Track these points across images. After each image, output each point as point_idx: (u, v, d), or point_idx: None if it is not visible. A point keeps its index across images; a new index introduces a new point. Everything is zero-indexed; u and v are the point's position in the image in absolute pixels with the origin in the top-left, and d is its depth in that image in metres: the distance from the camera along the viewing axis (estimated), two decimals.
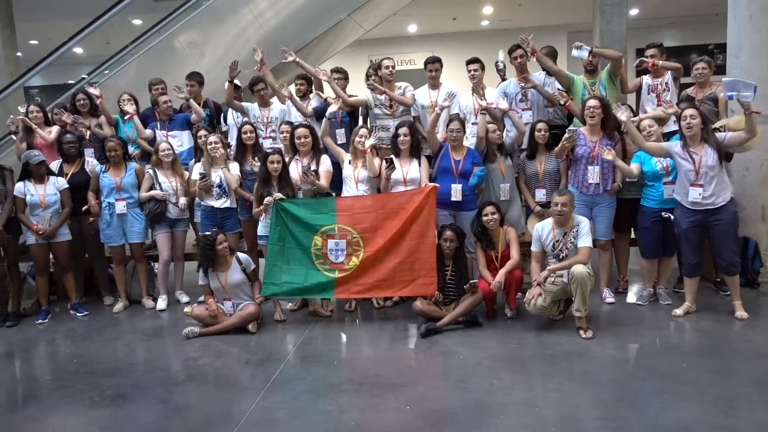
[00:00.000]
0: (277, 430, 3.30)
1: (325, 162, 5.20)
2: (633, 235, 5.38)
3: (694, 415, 3.23)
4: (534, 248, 4.68)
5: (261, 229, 5.15)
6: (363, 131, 5.11)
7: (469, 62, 5.66)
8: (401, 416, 3.36)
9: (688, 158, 4.50)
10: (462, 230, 4.84)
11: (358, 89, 6.03)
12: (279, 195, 4.90)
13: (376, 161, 5.05)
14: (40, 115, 5.92)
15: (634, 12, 12.04)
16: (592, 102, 4.98)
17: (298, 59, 5.79)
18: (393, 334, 4.72)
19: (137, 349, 4.72)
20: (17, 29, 9.81)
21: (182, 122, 5.99)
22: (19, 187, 5.29)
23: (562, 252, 4.54)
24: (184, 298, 5.72)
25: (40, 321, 5.42)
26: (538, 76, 5.79)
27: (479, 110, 5.37)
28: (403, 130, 5.07)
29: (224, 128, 6.13)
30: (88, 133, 6.01)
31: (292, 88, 5.94)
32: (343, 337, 4.84)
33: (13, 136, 5.94)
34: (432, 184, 4.91)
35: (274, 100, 6.03)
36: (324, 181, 5.09)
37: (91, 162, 5.71)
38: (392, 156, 5.06)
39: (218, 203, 5.38)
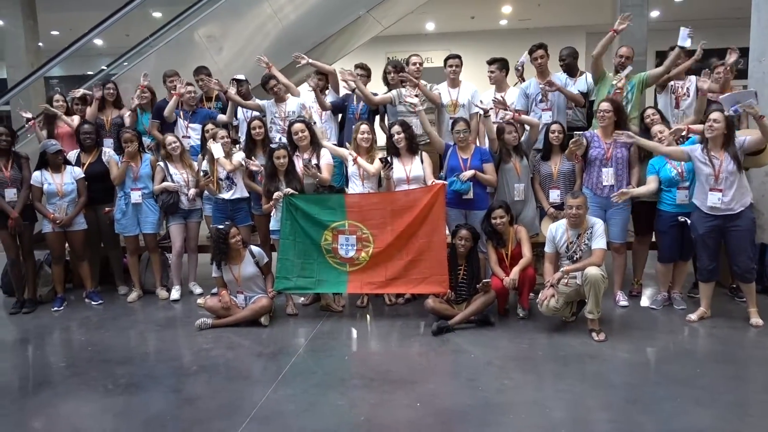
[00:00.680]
0: (287, 422, 3.31)
1: (326, 155, 5.22)
2: (654, 239, 5.33)
3: (707, 420, 3.20)
4: (547, 249, 4.66)
5: (273, 224, 5.17)
6: (364, 127, 5.09)
7: (488, 62, 5.66)
8: (411, 413, 3.37)
9: (708, 162, 4.45)
10: (477, 230, 4.83)
11: (377, 87, 6.03)
12: (289, 190, 4.92)
13: (377, 164, 5.05)
14: (63, 105, 5.98)
15: (654, 14, 11.94)
16: (604, 105, 4.95)
17: (310, 61, 5.79)
18: (404, 331, 4.72)
19: (150, 339, 4.76)
20: (39, 20, 9.92)
21: (204, 117, 6.01)
22: (36, 176, 5.35)
23: (575, 254, 4.51)
24: (197, 290, 5.76)
25: (55, 308, 5.48)
26: (559, 76, 5.76)
27: (487, 111, 5.35)
28: (396, 128, 5.07)
29: (235, 123, 6.15)
30: (110, 122, 6.06)
31: (305, 86, 5.94)
32: (355, 332, 4.85)
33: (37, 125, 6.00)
34: (440, 181, 4.90)
35: (289, 94, 6.03)
36: (326, 174, 5.11)
37: (107, 152, 5.76)
38: (387, 156, 5.06)
39: (227, 194, 5.40)
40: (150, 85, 6.15)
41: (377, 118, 5.94)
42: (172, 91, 5.95)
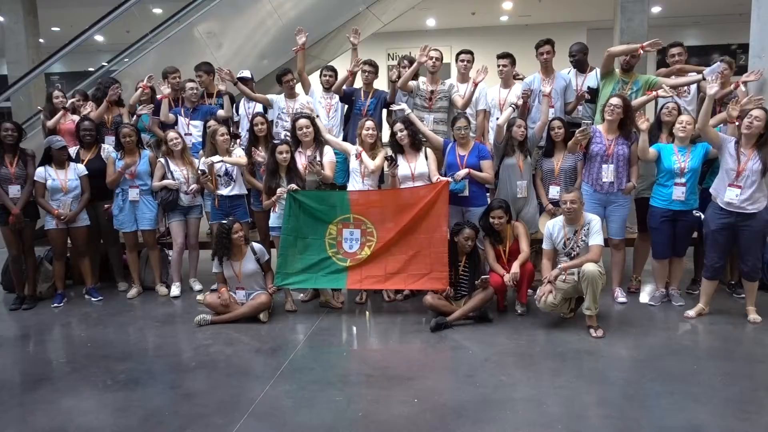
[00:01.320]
0: (286, 418, 3.33)
1: (329, 152, 5.23)
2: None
3: (703, 416, 3.21)
4: (545, 246, 4.67)
5: (273, 220, 5.18)
6: (369, 123, 5.09)
7: (499, 57, 5.65)
8: (409, 409, 3.38)
9: (736, 157, 4.43)
10: (477, 227, 4.84)
11: (381, 84, 6.03)
12: (293, 186, 4.92)
13: (378, 161, 5.05)
14: (63, 100, 5.99)
15: (656, 10, 11.90)
16: (615, 100, 4.93)
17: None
18: (403, 328, 4.73)
19: (150, 335, 4.77)
20: (39, 16, 9.93)
21: (205, 113, 6.02)
22: (40, 172, 5.35)
23: (573, 250, 4.52)
24: (198, 286, 5.78)
25: (55, 305, 5.50)
26: (566, 74, 5.75)
27: (503, 105, 5.34)
28: (398, 126, 5.07)
29: (236, 118, 6.16)
30: (111, 120, 6.07)
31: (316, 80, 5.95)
32: (353, 328, 4.86)
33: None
34: (444, 178, 4.91)
35: (300, 91, 6.04)
36: (328, 171, 5.12)
37: (106, 149, 5.77)
38: (391, 154, 5.06)
39: (226, 191, 5.41)
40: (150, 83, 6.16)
41: (384, 112, 5.93)
42: (158, 96, 5.94)
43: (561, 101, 5.67)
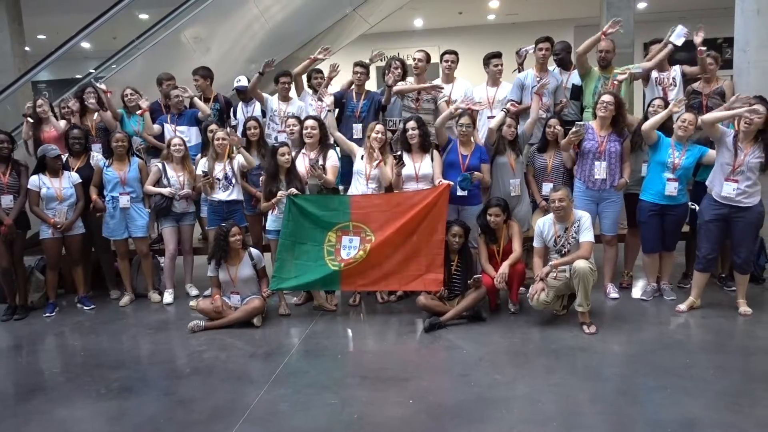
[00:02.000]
0: (281, 422, 3.32)
1: (332, 157, 5.20)
2: None
3: (696, 410, 3.23)
4: (536, 244, 4.68)
5: (270, 224, 5.16)
6: (379, 127, 5.05)
7: (493, 56, 5.66)
8: (404, 410, 3.38)
9: (733, 151, 4.44)
10: (468, 225, 4.85)
11: (370, 84, 6.03)
12: (293, 190, 4.91)
13: (388, 165, 5.04)
14: (48, 109, 5.95)
15: (641, 5, 11.97)
16: (607, 97, 4.95)
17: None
18: (397, 329, 4.73)
19: (143, 343, 4.75)
20: (25, 23, 9.85)
21: (191, 118, 6.01)
22: (34, 181, 5.32)
23: (564, 247, 4.54)
24: (194, 291, 5.76)
25: (47, 314, 5.46)
26: (556, 72, 5.77)
27: (492, 103, 5.36)
28: (411, 124, 5.06)
29: (234, 122, 6.15)
30: (95, 128, 6.04)
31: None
32: (348, 331, 4.86)
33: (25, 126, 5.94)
34: (446, 182, 4.90)
35: (294, 95, 6.03)
36: (331, 176, 5.09)
37: (95, 156, 5.75)
38: (400, 153, 5.06)
39: (224, 195, 5.39)
40: (136, 88, 6.13)
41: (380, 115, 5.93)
42: (137, 112, 5.92)
43: (551, 100, 5.69)
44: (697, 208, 4.74)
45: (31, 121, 5.82)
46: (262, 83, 6.09)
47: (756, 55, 5.35)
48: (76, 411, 3.60)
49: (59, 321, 5.37)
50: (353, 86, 5.72)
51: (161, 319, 5.28)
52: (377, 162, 4.95)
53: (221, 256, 4.90)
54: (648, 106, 5.10)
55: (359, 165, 5.15)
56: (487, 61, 5.77)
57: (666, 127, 4.85)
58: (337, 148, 5.41)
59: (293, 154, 5.11)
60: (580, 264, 4.31)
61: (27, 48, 10.16)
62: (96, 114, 6.09)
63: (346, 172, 5.46)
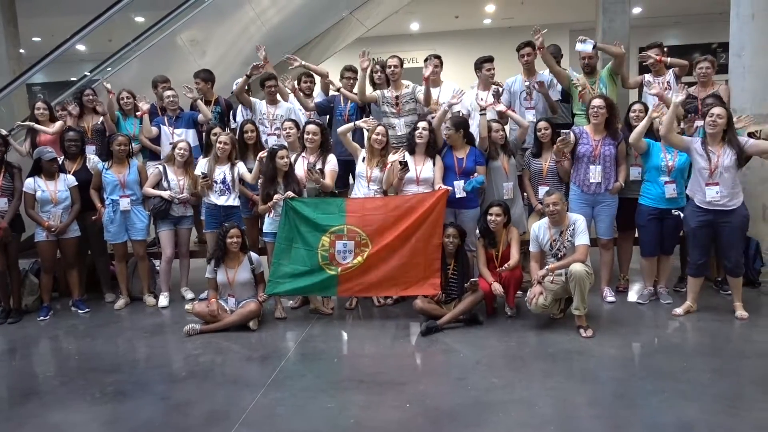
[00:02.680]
0: (278, 426, 3.31)
1: (332, 161, 5.20)
2: (637, 234, 5.37)
3: (693, 413, 3.23)
4: (532, 248, 4.68)
5: (267, 226, 5.15)
6: (381, 129, 5.05)
7: (486, 60, 5.67)
8: (401, 414, 3.37)
9: (705, 156, 4.47)
10: (463, 229, 4.84)
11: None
12: (290, 194, 4.90)
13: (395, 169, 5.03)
14: (47, 112, 5.93)
15: (637, 10, 12.01)
16: (597, 101, 4.97)
17: (304, 63, 5.82)
18: (393, 332, 4.72)
19: (138, 346, 4.73)
20: (20, 25, 9.81)
21: (188, 120, 6.00)
22: (29, 183, 5.30)
23: (560, 251, 4.54)
24: (189, 295, 5.74)
25: (41, 318, 5.43)
26: (546, 75, 5.79)
27: (480, 109, 5.36)
28: (423, 123, 5.06)
29: (233, 125, 6.14)
30: (92, 130, 6.02)
31: (294, 83, 5.95)
32: (344, 334, 4.85)
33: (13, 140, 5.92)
34: (445, 187, 4.90)
35: (280, 98, 6.03)
36: (329, 180, 5.09)
37: (92, 159, 5.72)
38: (405, 159, 5.05)
39: (221, 200, 5.37)
40: (132, 91, 6.12)
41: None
42: (136, 114, 5.89)
43: (542, 101, 5.71)
44: (681, 214, 4.75)
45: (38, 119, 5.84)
46: (251, 91, 6.09)
47: (751, 60, 5.37)
48: (71, 415, 3.58)
49: (53, 324, 5.33)
50: (341, 90, 5.76)
51: (156, 322, 5.26)
52: (386, 164, 4.98)
53: (220, 257, 4.88)
54: (628, 110, 5.13)
55: (360, 167, 5.15)
56: (479, 65, 5.79)
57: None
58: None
59: (292, 157, 5.11)
60: (577, 267, 4.31)
61: (22, 50, 10.12)
62: (93, 116, 6.07)
63: (341, 175, 5.48)
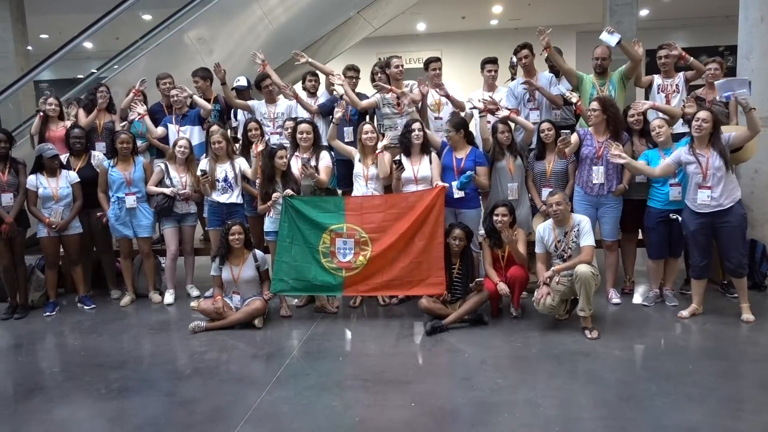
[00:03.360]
0: (282, 424, 3.31)
1: (325, 158, 5.23)
2: (641, 236, 5.37)
3: (699, 416, 3.22)
4: (538, 250, 4.68)
5: (268, 225, 5.17)
6: (368, 127, 5.10)
7: (489, 62, 5.67)
8: (406, 413, 3.37)
9: (695, 160, 4.48)
10: (470, 229, 4.84)
11: (366, 87, 6.04)
12: (289, 192, 4.91)
13: (387, 157, 5.05)
14: (58, 108, 5.95)
15: (644, 13, 12.00)
16: (592, 104, 4.98)
17: (310, 60, 5.82)
18: (398, 332, 4.72)
19: (144, 343, 4.75)
20: (28, 23, 9.87)
21: (194, 118, 6.01)
22: (32, 180, 5.32)
23: (565, 252, 4.54)
24: (195, 292, 5.76)
25: (47, 313, 5.46)
26: (546, 75, 5.79)
27: (480, 112, 5.37)
28: (417, 125, 5.08)
29: (234, 124, 6.15)
30: (102, 127, 6.04)
31: (298, 86, 5.96)
32: (349, 333, 4.85)
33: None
34: (442, 184, 4.91)
35: (281, 95, 6.04)
36: (324, 176, 5.11)
37: (97, 156, 5.74)
38: (399, 158, 5.07)
39: (223, 198, 5.38)
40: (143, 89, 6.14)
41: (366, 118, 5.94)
42: (139, 113, 5.88)
43: (546, 102, 5.70)
44: (680, 218, 4.74)
45: (48, 114, 5.84)
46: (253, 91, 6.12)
47: (759, 63, 5.36)
48: (76, 411, 3.59)
49: (59, 320, 5.36)
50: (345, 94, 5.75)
51: (162, 319, 5.27)
52: (376, 152, 4.99)
53: (223, 254, 4.89)
54: (625, 115, 5.12)
55: (357, 168, 5.17)
56: (483, 66, 5.80)
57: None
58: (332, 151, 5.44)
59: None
60: (582, 269, 4.31)
61: (29, 47, 10.18)
62: (104, 114, 6.07)
63: (344, 174, 5.52)
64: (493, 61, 5.77)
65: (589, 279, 4.30)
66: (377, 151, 5.01)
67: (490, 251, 4.87)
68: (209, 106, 5.99)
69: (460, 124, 5.13)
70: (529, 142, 5.35)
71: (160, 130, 5.96)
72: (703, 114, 4.45)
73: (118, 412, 3.53)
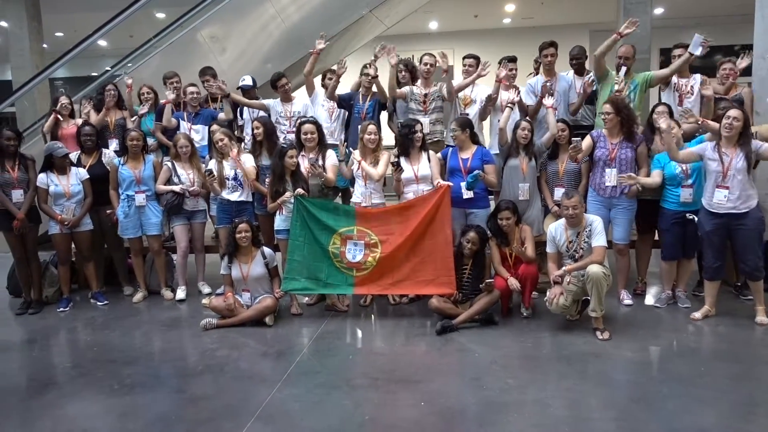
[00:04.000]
0: (292, 422, 3.32)
1: (331, 156, 5.24)
2: (657, 237, 5.32)
3: (710, 419, 3.20)
4: (549, 250, 4.66)
5: (278, 223, 5.18)
6: (371, 128, 5.10)
7: (508, 60, 5.66)
8: (415, 412, 3.37)
9: (718, 159, 4.43)
10: (486, 233, 4.82)
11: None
12: (300, 191, 4.92)
13: (385, 158, 5.07)
14: (70, 106, 6.01)
15: (658, 11, 11.89)
16: (605, 107, 4.94)
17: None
18: (408, 331, 4.72)
19: (155, 339, 4.78)
20: (43, 21, 9.96)
21: (207, 117, 6.03)
22: (42, 178, 5.36)
23: (576, 252, 4.51)
24: (206, 289, 5.79)
25: (61, 309, 5.51)
26: (566, 75, 5.75)
27: (506, 105, 5.36)
28: (419, 126, 5.10)
29: (240, 122, 6.17)
30: (114, 124, 6.09)
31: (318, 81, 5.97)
32: (359, 332, 4.86)
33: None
34: (446, 183, 4.91)
35: (296, 94, 6.04)
36: (331, 175, 5.12)
37: (108, 154, 5.77)
38: (396, 159, 5.07)
39: (233, 196, 5.41)
40: (152, 87, 6.18)
41: (384, 116, 5.94)
42: (163, 101, 5.94)
43: (564, 103, 5.68)
44: (696, 219, 4.70)
45: (60, 118, 5.91)
46: (270, 88, 6.12)
47: None
48: (88, 406, 3.63)
49: (72, 316, 5.41)
50: (361, 88, 5.77)
51: (174, 316, 5.31)
52: (357, 161, 5.04)
53: (231, 252, 4.92)
54: (652, 112, 5.06)
55: (356, 168, 5.18)
56: (503, 64, 5.75)
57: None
58: (337, 149, 5.46)
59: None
60: (594, 269, 4.28)
61: (45, 45, 10.27)
62: (116, 111, 6.13)
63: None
64: (513, 59, 5.75)
65: (600, 279, 4.28)
66: (359, 164, 5.04)
67: (498, 249, 4.86)
68: (231, 114, 6.00)
69: (465, 123, 5.14)
70: (548, 146, 5.30)
71: (173, 120, 5.99)
72: (734, 112, 4.38)
73: (130, 408, 3.56)
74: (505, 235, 4.80)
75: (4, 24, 10.24)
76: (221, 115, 5.97)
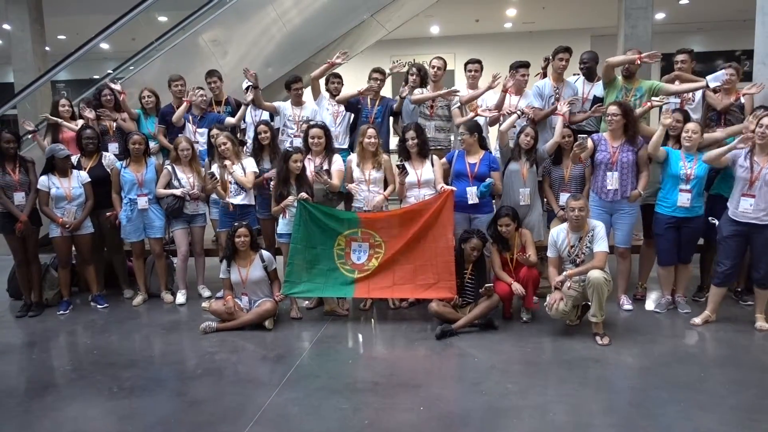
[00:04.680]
0: (292, 426, 3.32)
1: (337, 161, 5.24)
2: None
3: (710, 425, 3.20)
4: (550, 254, 4.66)
5: (281, 227, 5.18)
6: (371, 131, 5.11)
7: (520, 66, 5.63)
8: (414, 417, 3.37)
9: (748, 166, 4.42)
10: (486, 237, 4.83)
11: (386, 91, 6.05)
12: (304, 195, 4.93)
13: (380, 173, 5.12)
14: (69, 109, 6.02)
15: (659, 16, 11.90)
16: (612, 108, 4.93)
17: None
18: (408, 335, 4.72)
19: (155, 342, 4.78)
20: (46, 24, 9.98)
21: (212, 121, 6.03)
22: (43, 181, 5.36)
23: (578, 257, 4.51)
24: (206, 293, 5.79)
25: (61, 312, 5.51)
26: (573, 83, 5.75)
27: (514, 110, 5.35)
28: (410, 134, 5.10)
29: (243, 126, 6.18)
30: (113, 127, 6.10)
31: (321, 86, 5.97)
32: (359, 336, 4.86)
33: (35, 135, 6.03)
34: (449, 187, 4.92)
35: (307, 99, 6.05)
36: (336, 180, 5.12)
37: (108, 157, 5.78)
38: (403, 162, 5.08)
39: (237, 199, 5.41)
40: (153, 89, 6.19)
41: (390, 120, 5.95)
42: (184, 99, 5.94)
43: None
44: (717, 223, 4.69)
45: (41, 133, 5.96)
46: (271, 91, 6.12)
47: None
48: (88, 409, 3.63)
49: (73, 319, 5.41)
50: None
51: (173, 319, 5.31)
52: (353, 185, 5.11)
53: (230, 256, 4.92)
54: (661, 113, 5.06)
55: (357, 172, 5.19)
56: (515, 70, 5.72)
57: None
58: (344, 154, 5.47)
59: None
60: (595, 274, 4.28)
61: (47, 48, 10.28)
62: (117, 114, 6.14)
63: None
64: (526, 65, 5.65)
65: (601, 284, 4.28)
66: (348, 186, 5.09)
67: (499, 255, 4.86)
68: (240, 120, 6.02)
69: (474, 127, 5.13)
70: (551, 153, 5.29)
71: (182, 120, 5.99)
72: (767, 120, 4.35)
73: (129, 411, 3.56)
74: (506, 240, 4.80)
75: (6, 26, 10.24)
76: (229, 119, 5.97)
